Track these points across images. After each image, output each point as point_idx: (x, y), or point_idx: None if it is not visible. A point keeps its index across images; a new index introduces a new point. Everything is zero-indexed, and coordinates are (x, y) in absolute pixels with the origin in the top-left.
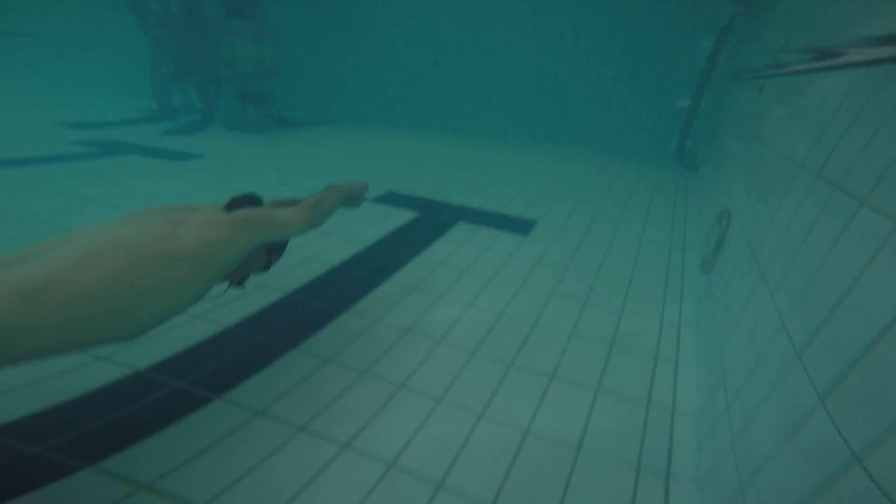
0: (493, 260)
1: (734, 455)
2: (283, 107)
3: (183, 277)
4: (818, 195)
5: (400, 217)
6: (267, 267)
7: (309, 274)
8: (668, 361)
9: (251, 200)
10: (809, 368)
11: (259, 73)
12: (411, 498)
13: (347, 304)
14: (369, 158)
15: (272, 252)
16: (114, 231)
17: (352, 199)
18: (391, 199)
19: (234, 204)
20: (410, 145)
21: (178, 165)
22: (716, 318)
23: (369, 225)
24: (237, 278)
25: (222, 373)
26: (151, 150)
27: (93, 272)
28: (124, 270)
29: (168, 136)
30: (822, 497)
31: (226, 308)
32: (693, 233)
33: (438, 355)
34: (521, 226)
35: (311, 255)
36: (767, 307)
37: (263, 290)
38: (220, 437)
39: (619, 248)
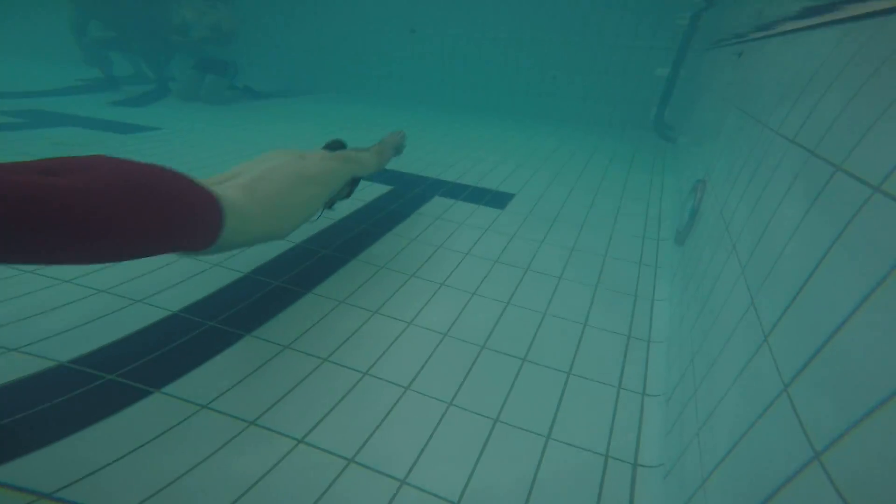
0: (468, 235)
1: (699, 445)
2: (250, 77)
3: (315, 194)
4: (793, 161)
5: (373, 191)
6: (348, 195)
7: (270, 252)
8: (640, 340)
9: (341, 144)
10: (776, 351)
11: (215, 39)
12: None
13: (310, 286)
14: (341, 130)
15: (353, 184)
16: (267, 163)
17: (398, 147)
18: None
19: (331, 146)
20: (385, 117)
21: (128, 138)
22: (688, 294)
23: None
24: (330, 203)
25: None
26: (94, 121)
27: (271, 186)
28: (287, 186)
29: (115, 108)
30: (781, 493)
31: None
32: (669, 204)
33: (406, 339)
34: (499, 199)
35: None
36: (738, 282)
37: (219, 269)
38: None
39: (595, 221)
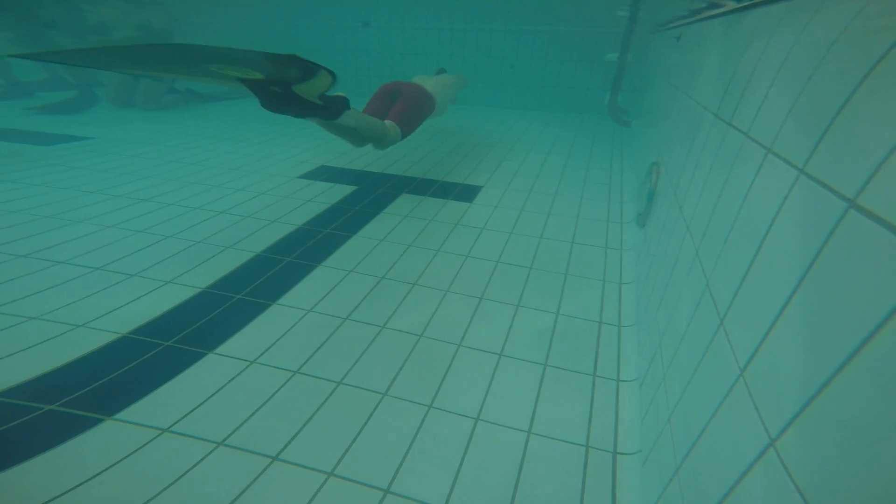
0: (437, 231)
1: (671, 430)
2: None
3: (438, 105)
4: (732, 144)
5: (336, 192)
6: (439, 114)
7: (230, 263)
8: (611, 326)
9: (444, 70)
10: (731, 335)
11: (144, 39)
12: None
13: (275, 297)
14: (298, 131)
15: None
16: (428, 80)
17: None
18: (325, 173)
19: (440, 71)
20: None
21: (51, 150)
22: (652, 276)
23: (300, 203)
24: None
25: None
26: (2, 132)
27: (437, 87)
28: (437, 92)
29: (35, 116)
30: (742, 484)
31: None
32: (630, 187)
33: (380, 344)
34: (466, 192)
35: (230, 243)
36: (694, 264)
37: (174, 286)
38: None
39: (560, 208)
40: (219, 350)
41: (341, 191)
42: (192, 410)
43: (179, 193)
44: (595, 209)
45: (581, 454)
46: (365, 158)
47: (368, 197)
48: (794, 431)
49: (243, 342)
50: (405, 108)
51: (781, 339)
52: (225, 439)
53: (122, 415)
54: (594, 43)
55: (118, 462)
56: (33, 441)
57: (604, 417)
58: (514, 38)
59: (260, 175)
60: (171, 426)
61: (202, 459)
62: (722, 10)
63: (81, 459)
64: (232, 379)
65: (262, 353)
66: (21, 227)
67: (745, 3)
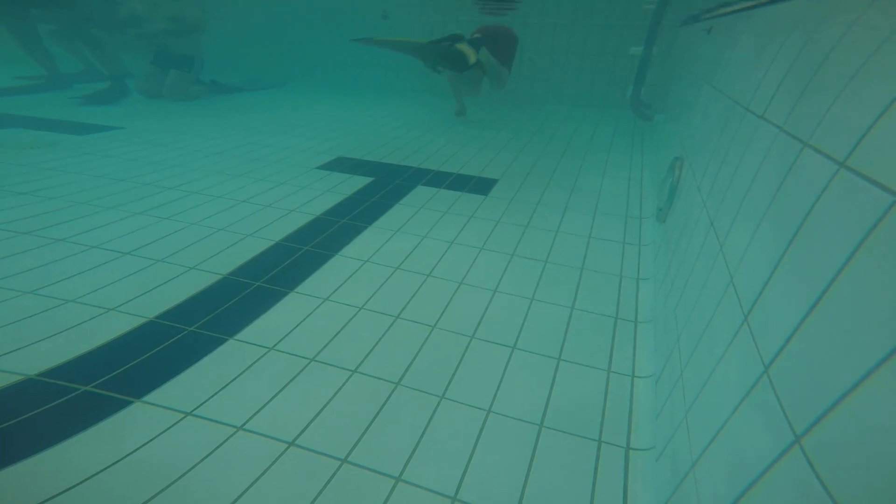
0: (452, 223)
1: (688, 427)
2: (216, 71)
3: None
4: (764, 138)
5: (353, 183)
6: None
7: (250, 251)
8: (628, 321)
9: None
10: (756, 332)
11: (176, 32)
12: None
13: (293, 285)
14: (316, 123)
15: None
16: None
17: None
18: (342, 164)
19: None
20: (362, 108)
21: (85, 140)
22: (671, 272)
23: (318, 194)
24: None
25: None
26: (44, 122)
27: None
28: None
29: (68, 108)
30: (762, 480)
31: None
32: (650, 182)
33: (395, 333)
34: (482, 185)
35: (250, 231)
36: (718, 260)
37: (196, 273)
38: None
39: (578, 202)
40: (239, 336)
41: (358, 182)
42: (213, 395)
43: (202, 182)
44: (613, 204)
45: (593, 448)
46: (381, 150)
47: (384, 188)
48: (821, 429)
49: (262, 329)
50: (508, 50)
51: (811, 336)
52: (244, 424)
53: (150, 397)
54: (617, 36)
55: (148, 442)
56: (74, 420)
57: (617, 413)
58: (534, 31)
59: (279, 165)
60: (193, 409)
61: (223, 443)
62: (755, 2)
63: (117, 439)
64: (251, 365)
65: (280, 341)
66: (59, 212)
67: None
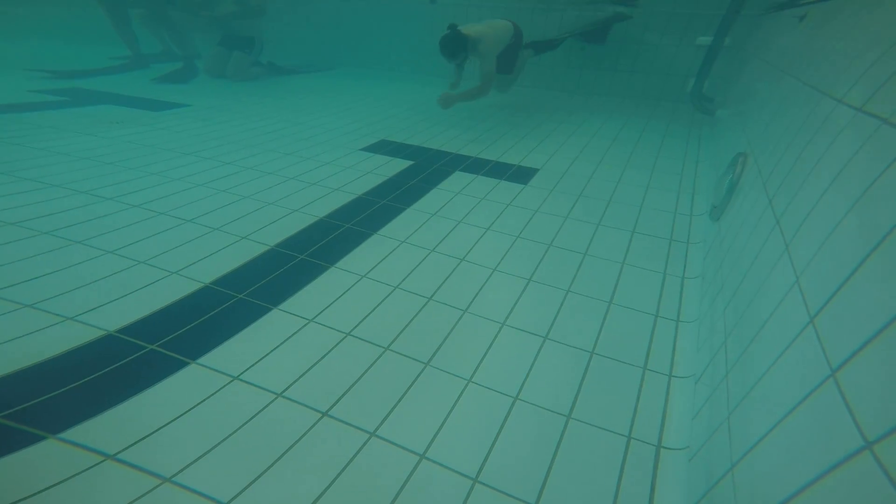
0: (489, 210)
1: (729, 429)
2: (272, 53)
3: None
4: (859, 131)
5: (394, 166)
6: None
7: (296, 225)
8: (669, 320)
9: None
10: (823, 335)
11: (242, 14)
12: None
13: (333, 261)
14: (363, 105)
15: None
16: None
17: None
18: (385, 147)
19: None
20: (407, 91)
21: (159, 115)
22: (722, 272)
23: (361, 174)
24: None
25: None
26: (128, 99)
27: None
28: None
29: (147, 86)
30: (819, 484)
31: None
32: (704, 179)
33: (425, 314)
34: (522, 174)
35: (296, 207)
36: (782, 261)
37: (247, 242)
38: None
39: (623, 196)
40: (282, 306)
41: (399, 164)
42: (257, 361)
43: (256, 159)
44: (662, 199)
45: (622, 443)
46: (422, 135)
47: (424, 172)
48: None
49: (304, 301)
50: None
51: (892, 343)
52: (284, 391)
53: (203, 360)
54: (683, 24)
55: (202, 402)
56: (147, 375)
57: (651, 410)
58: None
59: (326, 146)
60: (240, 374)
61: (264, 408)
62: None
63: (176, 397)
64: (292, 335)
65: (319, 314)
66: (135, 181)
67: None
